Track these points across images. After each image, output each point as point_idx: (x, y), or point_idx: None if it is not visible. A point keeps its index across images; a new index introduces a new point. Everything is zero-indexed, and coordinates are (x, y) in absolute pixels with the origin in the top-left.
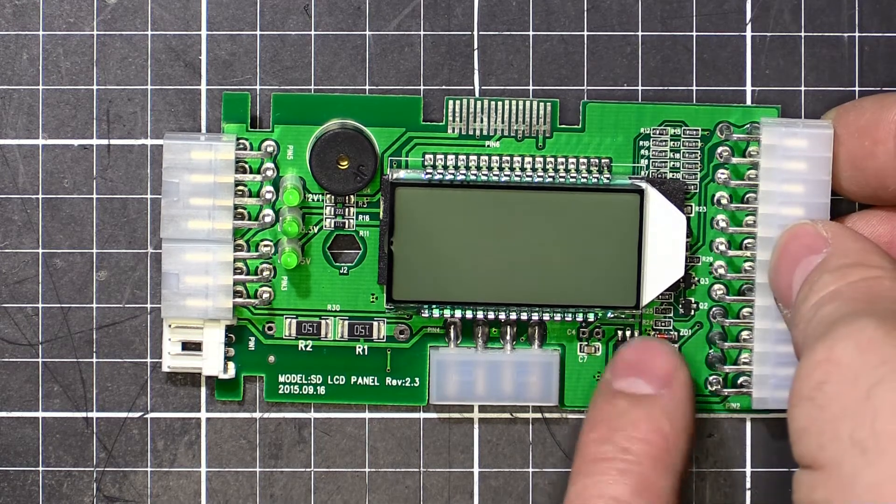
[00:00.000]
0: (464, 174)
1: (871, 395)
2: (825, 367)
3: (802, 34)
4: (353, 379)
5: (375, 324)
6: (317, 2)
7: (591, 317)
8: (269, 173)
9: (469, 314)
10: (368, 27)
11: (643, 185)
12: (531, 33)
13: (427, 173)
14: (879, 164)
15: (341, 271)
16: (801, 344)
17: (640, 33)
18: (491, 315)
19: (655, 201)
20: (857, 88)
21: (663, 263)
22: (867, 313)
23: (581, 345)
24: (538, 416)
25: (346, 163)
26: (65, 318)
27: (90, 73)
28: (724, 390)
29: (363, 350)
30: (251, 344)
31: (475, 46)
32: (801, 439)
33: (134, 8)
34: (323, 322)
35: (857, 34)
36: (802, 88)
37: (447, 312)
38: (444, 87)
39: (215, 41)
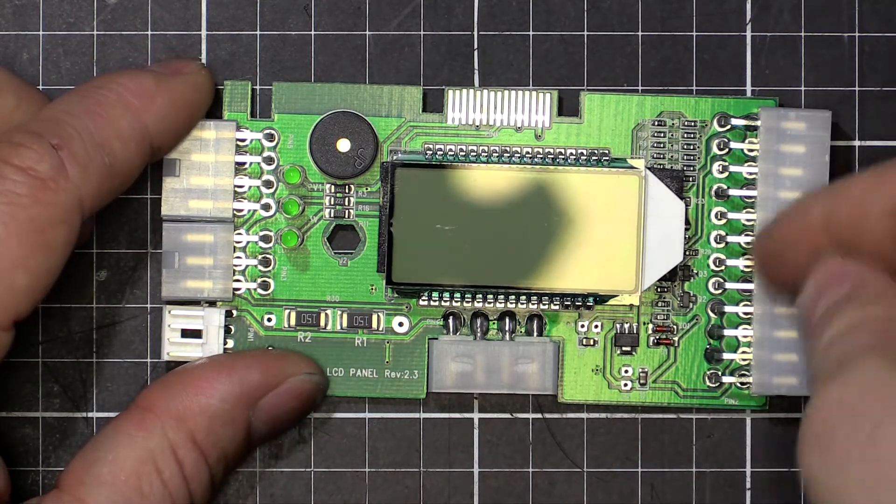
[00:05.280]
0: (464, 154)
1: (876, 438)
2: (832, 409)
3: (802, 34)
4: (353, 371)
5: (375, 315)
6: (317, 2)
7: (590, 301)
8: (270, 155)
9: (468, 298)
10: (368, 27)
11: (642, 169)
12: (531, 33)
13: (427, 152)
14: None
15: (341, 262)
16: (814, 379)
17: (640, 33)
18: (490, 299)
19: (654, 187)
20: (856, 88)
21: (662, 249)
22: (877, 354)
23: (580, 338)
24: (538, 416)
25: (346, 144)
26: (65, 318)
27: (90, 73)
28: (724, 378)
29: (362, 342)
30: (250, 335)
31: (475, 46)
32: (813, 487)
33: (134, 8)
34: (322, 313)
35: (857, 34)
36: (802, 88)
37: (446, 297)
38: (444, 87)
39: (215, 41)
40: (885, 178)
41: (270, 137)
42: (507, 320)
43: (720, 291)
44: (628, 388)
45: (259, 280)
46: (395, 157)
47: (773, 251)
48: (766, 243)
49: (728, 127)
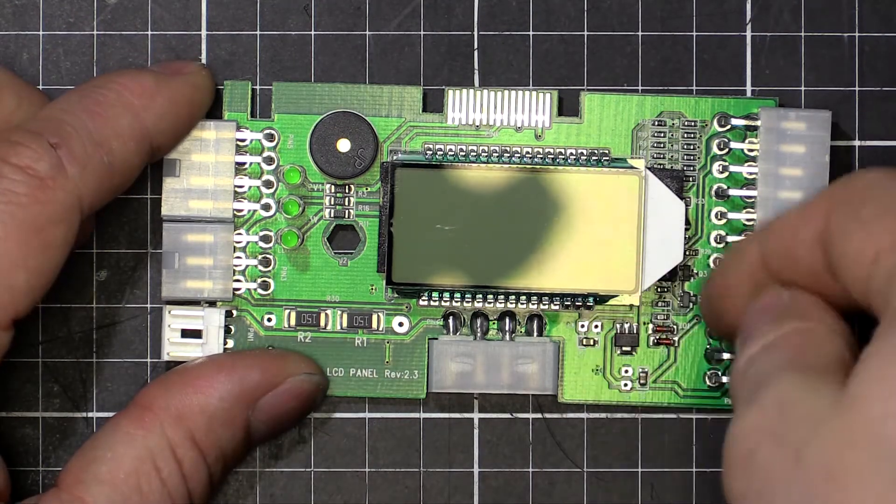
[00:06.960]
0: (464, 154)
1: (800, 458)
2: (753, 435)
3: (802, 34)
4: (353, 371)
5: (375, 315)
6: (317, 2)
7: (590, 301)
8: (270, 155)
9: (468, 298)
10: (368, 27)
11: (642, 170)
12: (531, 33)
13: (427, 152)
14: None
15: (341, 262)
16: (735, 399)
17: (640, 33)
18: (490, 299)
19: (654, 187)
20: (856, 88)
21: (662, 249)
22: (792, 370)
23: (580, 338)
24: (538, 416)
25: (346, 144)
26: (65, 318)
27: (90, 73)
28: (724, 378)
29: (362, 342)
30: (250, 335)
31: (475, 46)
32: None
33: (134, 8)
34: (322, 313)
35: (857, 34)
36: (802, 88)
37: (446, 297)
38: (444, 87)
39: (215, 41)
40: (810, 211)
41: (270, 137)
42: (507, 320)
43: None
44: (628, 388)
45: (259, 280)
46: (395, 157)
47: (718, 297)
48: (710, 291)
49: (728, 127)
